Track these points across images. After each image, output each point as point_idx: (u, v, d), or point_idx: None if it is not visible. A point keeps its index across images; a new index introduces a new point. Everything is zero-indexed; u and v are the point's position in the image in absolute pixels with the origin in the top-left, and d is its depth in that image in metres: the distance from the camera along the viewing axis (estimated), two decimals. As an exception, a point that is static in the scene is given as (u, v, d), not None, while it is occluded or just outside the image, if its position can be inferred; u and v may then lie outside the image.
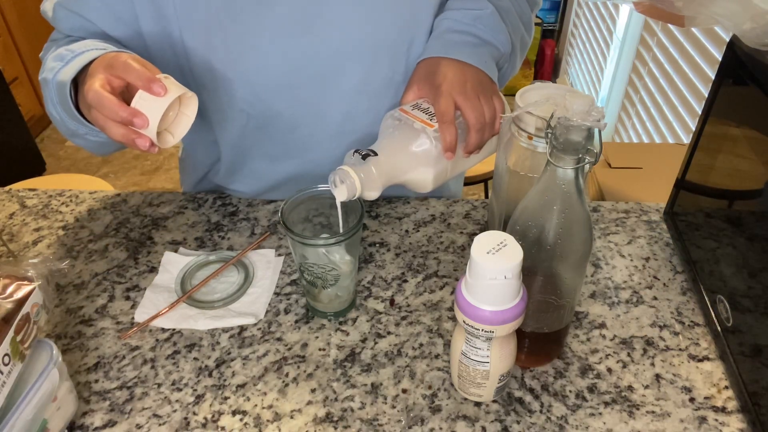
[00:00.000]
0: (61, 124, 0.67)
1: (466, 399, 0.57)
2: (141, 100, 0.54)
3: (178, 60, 0.71)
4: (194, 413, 0.56)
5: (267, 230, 0.77)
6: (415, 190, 0.67)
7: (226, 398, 0.57)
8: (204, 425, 0.55)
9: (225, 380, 0.59)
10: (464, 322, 0.50)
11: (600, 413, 0.55)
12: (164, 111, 0.55)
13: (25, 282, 0.50)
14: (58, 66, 0.62)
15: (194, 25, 0.67)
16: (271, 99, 0.72)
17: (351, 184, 0.58)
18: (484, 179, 1.63)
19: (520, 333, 0.54)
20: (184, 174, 0.95)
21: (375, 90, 0.74)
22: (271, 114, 0.74)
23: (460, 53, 0.68)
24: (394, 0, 0.70)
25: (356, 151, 0.61)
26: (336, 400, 0.57)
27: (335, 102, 0.73)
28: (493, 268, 0.46)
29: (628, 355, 0.61)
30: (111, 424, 0.55)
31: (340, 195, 0.58)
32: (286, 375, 0.59)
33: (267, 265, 0.71)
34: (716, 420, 0.55)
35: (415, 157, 0.63)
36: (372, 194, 0.60)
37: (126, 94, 0.58)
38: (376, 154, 0.61)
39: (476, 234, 0.62)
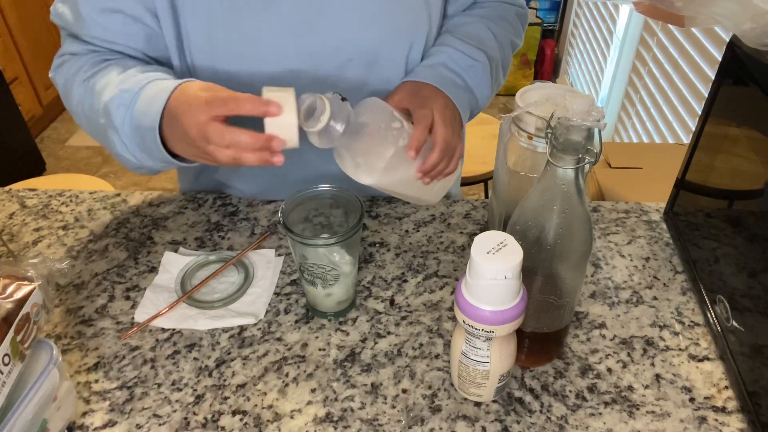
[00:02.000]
0: (131, 162, 0.67)
1: (466, 399, 0.57)
2: (271, 126, 0.55)
3: (185, 57, 0.71)
4: (194, 413, 0.56)
5: (267, 230, 0.77)
6: (359, 174, 0.63)
7: (226, 398, 0.57)
8: (204, 425, 0.55)
9: (225, 380, 0.59)
10: (464, 322, 0.50)
11: (600, 413, 0.55)
12: (297, 123, 0.55)
13: (25, 282, 0.50)
14: (121, 113, 0.62)
15: (198, 21, 0.68)
16: None
17: (321, 102, 0.56)
18: (484, 179, 1.63)
19: (520, 333, 0.54)
20: (181, 170, 0.94)
21: (374, 92, 0.74)
22: None
23: (447, 89, 0.69)
24: (394, 4, 0.70)
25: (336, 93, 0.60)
26: (336, 400, 0.57)
27: None
28: (493, 268, 0.46)
29: (628, 355, 0.61)
30: (111, 424, 0.55)
31: (307, 105, 0.57)
32: (286, 375, 0.59)
33: (267, 265, 0.71)
34: (716, 420, 0.55)
35: (380, 137, 0.61)
36: (339, 128, 0.58)
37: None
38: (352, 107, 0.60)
39: (476, 234, 0.62)
